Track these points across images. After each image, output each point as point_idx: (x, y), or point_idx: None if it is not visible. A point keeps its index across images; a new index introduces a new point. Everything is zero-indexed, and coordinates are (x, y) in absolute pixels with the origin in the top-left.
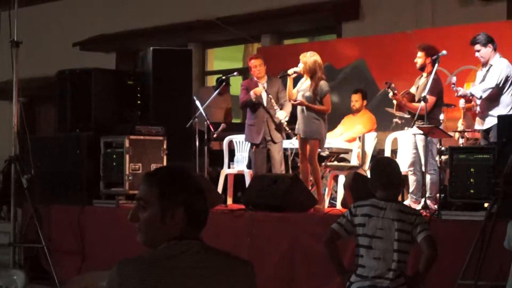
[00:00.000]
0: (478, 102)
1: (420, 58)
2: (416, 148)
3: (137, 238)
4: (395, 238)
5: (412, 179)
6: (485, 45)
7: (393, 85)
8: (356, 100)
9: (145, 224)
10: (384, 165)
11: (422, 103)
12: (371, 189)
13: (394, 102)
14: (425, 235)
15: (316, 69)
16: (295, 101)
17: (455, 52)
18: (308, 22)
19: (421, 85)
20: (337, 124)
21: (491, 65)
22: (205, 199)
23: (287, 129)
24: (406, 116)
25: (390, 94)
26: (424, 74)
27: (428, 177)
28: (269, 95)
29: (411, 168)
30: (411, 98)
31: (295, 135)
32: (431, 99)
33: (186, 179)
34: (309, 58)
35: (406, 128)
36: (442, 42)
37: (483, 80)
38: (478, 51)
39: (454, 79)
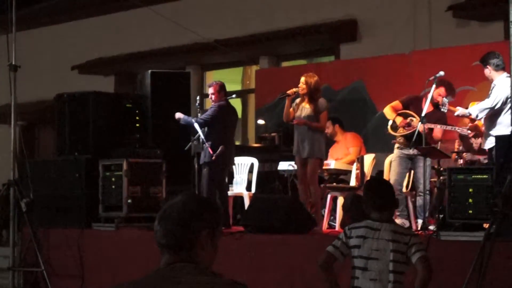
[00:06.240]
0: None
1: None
2: (405, 169)
3: None
4: (390, 259)
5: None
6: (485, 65)
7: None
8: (327, 127)
9: None
10: (377, 186)
11: (420, 124)
12: (365, 210)
13: (390, 123)
14: (420, 256)
15: (318, 89)
16: (294, 120)
17: (452, 73)
18: (306, 44)
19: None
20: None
21: (495, 85)
22: (162, 225)
23: None
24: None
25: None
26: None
27: (420, 198)
28: None
29: (399, 188)
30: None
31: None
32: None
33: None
34: (312, 78)
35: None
36: (439, 63)
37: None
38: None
39: (446, 100)
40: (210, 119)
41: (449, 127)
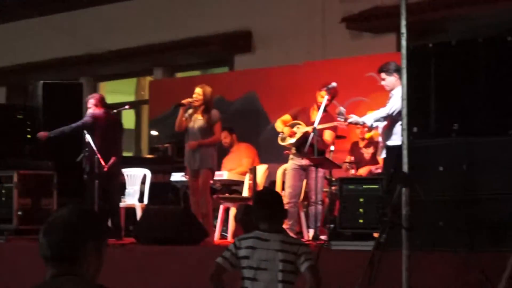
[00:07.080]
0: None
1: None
2: (300, 181)
3: None
4: (279, 269)
5: (291, 211)
6: (390, 74)
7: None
8: (224, 137)
9: None
10: (266, 197)
11: (308, 130)
12: (254, 221)
13: (280, 135)
14: (308, 265)
15: (212, 100)
16: (187, 145)
17: (345, 83)
18: (200, 55)
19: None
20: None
21: (393, 95)
22: (46, 238)
23: None
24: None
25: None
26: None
27: (312, 208)
28: None
29: (293, 200)
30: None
31: None
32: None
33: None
34: (207, 89)
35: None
36: (332, 74)
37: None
38: (383, 79)
39: (343, 109)
40: (81, 125)
41: (327, 125)
